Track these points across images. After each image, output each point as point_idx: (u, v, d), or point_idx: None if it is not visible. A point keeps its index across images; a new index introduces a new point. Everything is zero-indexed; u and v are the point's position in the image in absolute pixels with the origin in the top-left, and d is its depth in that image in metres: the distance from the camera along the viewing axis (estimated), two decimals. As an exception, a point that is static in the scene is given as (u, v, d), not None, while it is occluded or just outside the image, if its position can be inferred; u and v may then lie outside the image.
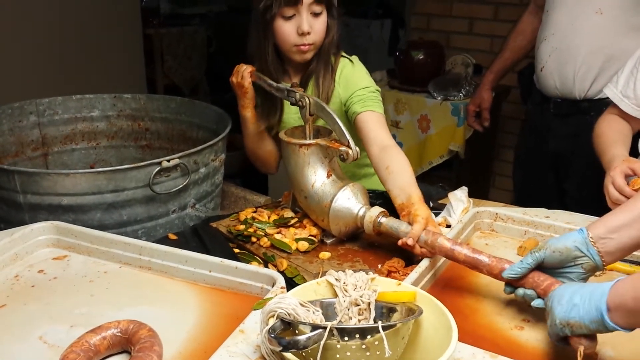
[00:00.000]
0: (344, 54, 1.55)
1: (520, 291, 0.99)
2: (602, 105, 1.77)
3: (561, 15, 1.92)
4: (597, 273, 1.02)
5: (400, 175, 1.29)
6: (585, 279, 0.98)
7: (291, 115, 1.54)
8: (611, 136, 1.46)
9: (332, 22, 1.47)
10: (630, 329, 0.80)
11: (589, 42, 1.86)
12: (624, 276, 0.84)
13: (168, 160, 1.28)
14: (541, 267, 0.99)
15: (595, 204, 1.37)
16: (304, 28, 1.40)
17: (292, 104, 1.34)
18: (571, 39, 1.89)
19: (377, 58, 4.54)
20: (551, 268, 0.98)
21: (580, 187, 1.90)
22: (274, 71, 1.49)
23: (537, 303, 0.97)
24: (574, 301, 0.83)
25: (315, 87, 1.51)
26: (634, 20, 1.80)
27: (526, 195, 2.14)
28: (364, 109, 1.43)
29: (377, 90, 1.50)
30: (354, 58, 1.56)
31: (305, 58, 1.47)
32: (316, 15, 1.42)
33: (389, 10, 4.98)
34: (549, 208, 1.39)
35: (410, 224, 1.17)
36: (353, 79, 1.50)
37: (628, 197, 1.26)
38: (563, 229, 1.26)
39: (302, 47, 1.44)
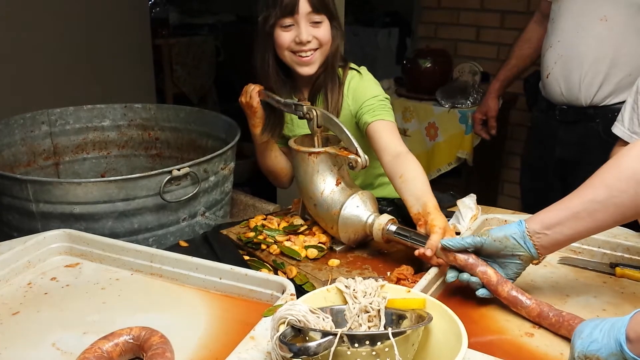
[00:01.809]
0: (352, 65, 1.55)
1: (465, 276, 1.05)
2: (608, 112, 1.77)
3: (566, 22, 1.93)
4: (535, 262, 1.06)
5: (414, 183, 1.29)
6: (521, 270, 1.05)
7: (304, 128, 1.54)
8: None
9: (335, 33, 1.46)
10: None
11: (594, 48, 1.87)
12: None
13: (178, 169, 1.29)
14: (479, 253, 1.05)
15: None
16: (302, 37, 1.40)
17: (300, 117, 1.35)
18: (577, 46, 1.90)
19: (385, 66, 4.56)
20: (489, 256, 1.05)
21: None
22: (276, 84, 1.48)
23: (481, 293, 1.03)
24: (593, 336, 0.82)
25: (325, 101, 1.51)
26: (639, 26, 1.81)
27: (533, 202, 2.13)
28: (374, 118, 1.43)
29: (387, 98, 1.50)
30: (362, 69, 1.56)
31: (309, 71, 1.46)
32: (316, 24, 1.42)
33: (397, 18, 5.01)
34: None
35: (427, 234, 1.17)
36: (361, 89, 1.50)
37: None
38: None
39: (302, 57, 1.43)
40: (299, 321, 0.80)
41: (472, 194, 1.46)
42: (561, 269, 1.22)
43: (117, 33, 3.56)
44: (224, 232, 1.40)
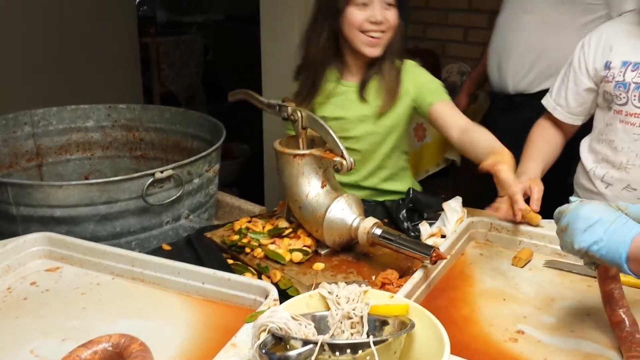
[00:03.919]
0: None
1: None
2: (535, 100, 1.82)
3: (502, 16, 2.17)
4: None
5: (482, 141, 1.36)
6: None
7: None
8: (536, 148, 1.56)
9: (400, 21, 1.52)
10: None
11: (520, 39, 2.08)
12: None
13: (161, 172, 1.27)
14: None
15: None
16: (377, 17, 1.44)
17: (284, 118, 1.34)
18: (507, 38, 2.12)
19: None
20: None
21: None
22: (324, 64, 1.54)
23: None
24: (597, 234, 0.84)
25: (380, 88, 1.55)
26: (560, 18, 1.99)
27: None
28: (439, 99, 1.51)
29: (441, 83, 1.58)
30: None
31: (374, 52, 1.51)
32: (389, 6, 1.47)
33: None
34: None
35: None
36: (420, 74, 1.58)
37: (515, 215, 1.30)
38: (557, 239, 1.26)
39: (371, 37, 1.47)
40: (280, 329, 0.79)
41: (457, 197, 1.45)
42: (546, 273, 1.22)
43: (103, 31, 3.53)
44: (208, 235, 1.38)
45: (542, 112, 1.65)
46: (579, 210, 0.88)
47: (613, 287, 0.96)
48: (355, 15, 1.45)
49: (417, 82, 1.56)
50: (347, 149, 1.61)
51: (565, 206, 0.94)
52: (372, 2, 1.45)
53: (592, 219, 0.86)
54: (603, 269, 0.95)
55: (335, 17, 1.48)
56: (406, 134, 1.70)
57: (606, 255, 0.85)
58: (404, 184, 1.71)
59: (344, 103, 1.62)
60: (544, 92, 1.80)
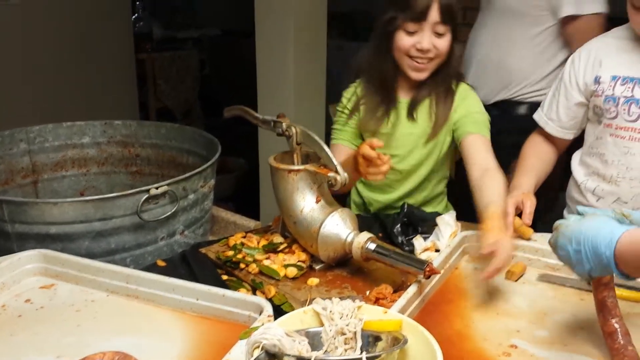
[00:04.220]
0: (465, 81, 1.60)
1: None
2: (492, 110, 1.84)
3: (473, 32, 2.24)
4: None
5: (490, 192, 1.29)
6: None
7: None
8: (528, 163, 1.57)
9: (456, 46, 1.50)
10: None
11: (478, 52, 2.16)
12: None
13: (156, 188, 1.28)
14: None
15: None
16: (423, 45, 1.44)
17: (278, 134, 1.35)
18: (471, 50, 2.20)
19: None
20: None
21: None
22: (383, 81, 1.54)
23: None
24: (587, 267, 0.87)
25: (431, 111, 1.54)
26: (511, 31, 2.05)
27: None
28: (476, 131, 1.48)
29: (488, 119, 1.55)
30: (469, 83, 1.61)
31: (419, 76, 1.50)
32: (439, 35, 1.45)
33: (380, 32, 5.02)
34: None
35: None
36: (472, 101, 1.56)
37: (507, 228, 1.30)
38: (550, 253, 1.27)
39: (418, 63, 1.47)
40: (274, 345, 0.79)
41: (451, 211, 1.46)
42: (539, 286, 1.22)
43: (99, 48, 3.55)
44: (203, 250, 1.38)
45: (498, 122, 1.68)
46: (559, 242, 0.92)
47: (606, 295, 0.96)
48: (404, 40, 1.45)
49: (466, 107, 1.54)
50: (391, 169, 1.62)
51: (560, 222, 0.95)
52: (423, 29, 1.43)
53: (572, 250, 0.88)
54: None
55: (388, 38, 1.48)
56: (447, 158, 1.67)
57: (600, 272, 0.88)
58: (437, 209, 1.68)
59: (394, 119, 1.59)
60: (500, 103, 1.95)
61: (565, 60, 1.88)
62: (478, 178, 1.36)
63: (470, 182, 1.39)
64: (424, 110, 1.55)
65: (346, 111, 1.66)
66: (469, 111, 1.52)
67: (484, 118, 1.53)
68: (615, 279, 0.95)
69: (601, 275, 0.90)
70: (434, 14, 1.43)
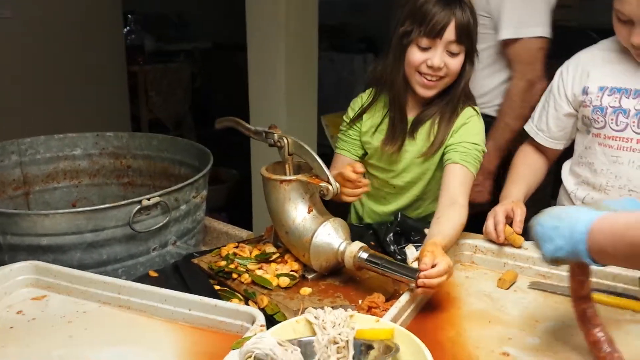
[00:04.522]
0: (475, 105, 1.55)
1: None
2: None
3: None
4: None
5: (443, 225, 1.29)
6: None
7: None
8: (518, 172, 1.59)
9: (469, 68, 1.47)
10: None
11: None
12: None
13: (148, 199, 1.28)
14: None
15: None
16: (434, 62, 1.41)
17: (270, 145, 1.35)
18: None
19: (361, 91, 4.61)
20: None
21: None
22: (397, 93, 1.50)
23: None
24: (557, 243, 0.89)
25: (431, 131, 1.51)
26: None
27: None
28: (462, 163, 1.43)
29: (483, 151, 1.51)
30: (477, 109, 1.55)
31: (426, 94, 1.47)
32: (453, 55, 1.43)
33: (371, 44, 5.08)
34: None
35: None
36: (472, 130, 1.50)
37: (498, 236, 1.36)
38: (541, 261, 1.28)
39: (427, 80, 1.44)
40: (266, 355, 0.79)
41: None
42: (531, 294, 1.23)
43: (91, 60, 3.56)
44: (195, 261, 1.38)
45: None
46: (541, 219, 0.94)
47: (585, 306, 0.97)
48: (415, 55, 1.43)
49: (461, 135, 1.49)
50: (386, 182, 1.62)
51: (535, 217, 0.98)
52: (435, 47, 1.41)
53: (551, 225, 0.91)
54: (575, 287, 0.97)
55: (401, 52, 1.46)
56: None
57: (567, 253, 0.89)
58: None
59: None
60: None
61: (510, 77, 1.95)
62: (443, 207, 1.36)
63: (437, 208, 1.38)
64: (424, 130, 1.53)
65: (348, 120, 1.66)
66: (462, 139, 1.48)
67: (474, 150, 1.47)
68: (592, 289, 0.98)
69: (566, 257, 0.90)
70: (450, 33, 1.40)
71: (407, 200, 1.64)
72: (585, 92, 1.48)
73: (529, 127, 1.63)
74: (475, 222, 1.42)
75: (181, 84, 4.51)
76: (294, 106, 2.59)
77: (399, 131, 1.54)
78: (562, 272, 1.25)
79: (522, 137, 1.71)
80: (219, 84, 5.15)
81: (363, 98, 1.65)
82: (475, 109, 1.54)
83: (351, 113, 1.65)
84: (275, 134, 1.34)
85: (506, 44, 1.92)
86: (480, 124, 1.53)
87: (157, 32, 4.99)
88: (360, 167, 1.30)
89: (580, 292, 0.98)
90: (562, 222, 0.89)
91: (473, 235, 1.51)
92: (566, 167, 1.61)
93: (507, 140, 1.94)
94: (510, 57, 1.94)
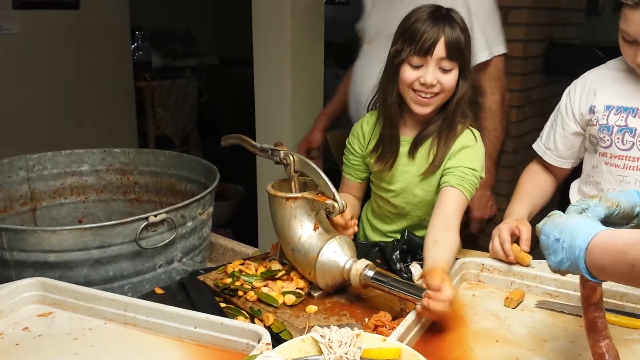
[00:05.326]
0: (472, 127, 1.54)
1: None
2: None
3: (358, 64, 2.18)
4: None
5: (440, 250, 1.29)
6: None
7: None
8: (524, 191, 1.59)
9: (462, 84, 1.47)
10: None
11: (373, 84, 2.08)
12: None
13: (155, 215, 1.28)
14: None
15: None
16: (426, 79, 1.42)
17: (276, 162, 1.36)
18: (363, 84, 2.06)
19: (366, 107, 4.61)
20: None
21: None
22: (391, 115, 1.51)
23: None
24: (559, 257, 0.89)
25: (430, 152, 1.51)
26: None
27: None
28: (457, 187, 1.43)
29: (481, 177, 1.51)
30: (477, 134, 1.54)
31: (423, 111, 1.48)
32: (445, 71, 1.43)
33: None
34: None
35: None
36: (470, 155, 1.50)
37: (505, 254, 1.35)
38: (549, 279, 1.27)
39: (421, 97, 1.45)
40: (272, 373, 0.79)
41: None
42: (538, 313, 1.22)
43: (99, 76, 3.59)
44: (201, 278, 1.38)
45: None
46: (544, 228, 0.94)
47: (597, 315, 0.96)
48: (408, 73, 1.44)
49: (458, 159, 1.49)
50: (387, 201, 1.62)
51: (555, 212, 0.98)
52: (427, 64, 1.42)
53: (554, 237, 0.91)
54: (586, 295, 0.96)
55: (394, 71, 1.47)
56: None
57: (569, 266, 0.89)
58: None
59: (395, 155, 1.57)
60: None
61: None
62: (438, 231, 1.35)
63: (429, 230, 1.37)
64: (423, 150, 1.53)
65: (348, 146, 1.66)
66: (460, 163, 1.48)
67: (472, 176, 1.46)
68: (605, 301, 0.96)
69: (568, 270, 0.90)
70: (440, 49, 1.41)
71: (409, 222, 1.64)
72: (592, 110, 1.48)
73: (537, 146, 1.64)
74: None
75: (188, 99, 4.53)
76: (300, 122, 2.60)
77: (389, 149, 1.55)
78: (570, 292, 1.25)
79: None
80: (225, 100, 5.17)
81: (363, 123, 1.65)
82: (474, 134, 1.53)
83: (351, 138, 1.66)
84: (281, 152, 1.35)
85: (479, 67, 1.96)
86: (480, 150, 1.53)
87: (164, 48, 5.03)
88: (347, 214, 1.33)
89: (591, 300, 0.96)
90: (562, 234, 0.89)
91: (479, 254, 1.51)
92: (574, 186, 1.61)
93: (499, 152, 2.06)
94: (480, 76, 1.99)
